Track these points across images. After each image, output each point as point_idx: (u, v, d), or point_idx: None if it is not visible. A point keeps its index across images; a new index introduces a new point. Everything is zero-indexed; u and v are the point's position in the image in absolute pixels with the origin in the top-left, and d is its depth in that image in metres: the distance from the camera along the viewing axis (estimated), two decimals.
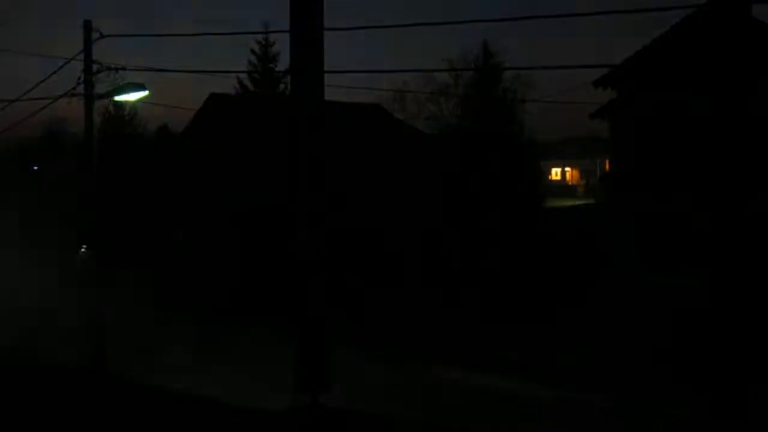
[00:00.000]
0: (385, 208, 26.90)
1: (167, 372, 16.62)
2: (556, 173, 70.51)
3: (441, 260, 23.86)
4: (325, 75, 11.10)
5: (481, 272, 22.53)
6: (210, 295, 24.49)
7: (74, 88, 16.04)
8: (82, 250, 19.22)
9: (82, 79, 15.98)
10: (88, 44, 15.98)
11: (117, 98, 17.64)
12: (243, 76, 29.86)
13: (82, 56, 16.10)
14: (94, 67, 15.99)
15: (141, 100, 17.62)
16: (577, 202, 45.44)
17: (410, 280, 23.53)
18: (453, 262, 23.37)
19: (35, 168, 49.05)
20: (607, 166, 31.02)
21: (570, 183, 68.75)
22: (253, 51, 29.66)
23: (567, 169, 70.85)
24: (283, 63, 28.55)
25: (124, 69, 16.34)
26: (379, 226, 26.00)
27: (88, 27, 16.00)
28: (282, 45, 25.96)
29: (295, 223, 11.20)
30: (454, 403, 14.59)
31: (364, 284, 22.42)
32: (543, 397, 14.74)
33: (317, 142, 11.13)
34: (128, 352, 17.90)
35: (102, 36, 15.96)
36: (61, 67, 16.67)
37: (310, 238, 10.97)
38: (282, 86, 29.38)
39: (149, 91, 16.48)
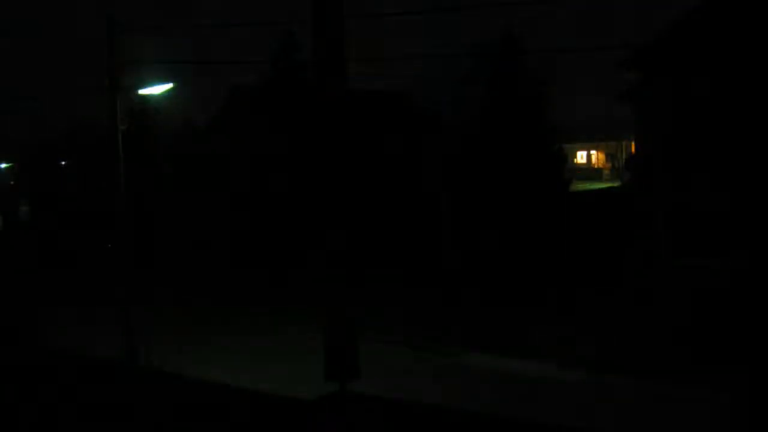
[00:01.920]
0: (402, 195, 27.00)
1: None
2: (581, 156, 69.80)
3: (459, 247, 23.81)
4: (347, 63, 11.09)
5: (502, 257, 22.45)
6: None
7: (99, 83, 16.21)
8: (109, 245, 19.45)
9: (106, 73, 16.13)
10: (110, 38, 16.10)
11: (142, 91, 17.76)
12: (265, 67, 29.75)
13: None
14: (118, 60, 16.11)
15: (166, 93, 17.72)
16: (603, 186, 45.06)
17: (427, 265, 23.64)
18: (472, 248, 23.31)
19: (62, 163, 49.68)
20: (633, 149, 30.65)
21: (595, 166, 68.04)
22: (275, 41, 29.62)
23: (592, 152, 70.14)
24: (305, 52, 28.48)
25: (146, 62, 16.49)
26: (394, 213, 26.14)
27: (110, 21, 16.12)
28: (305, 34, 25.83)
29: (321, 220, 11.26)
30: (484, 388, 14.56)
31: (384, 273, 22.55)
32: (572, 381, 14.67)
33: (340, 139, 11.13)
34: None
35: (125, 30, 16.07)
36: (86, 63, 16.84)
37: (334, 235, 11.04)
38: (305, 75, 29.28)
39: (174, 84, 16.59)
